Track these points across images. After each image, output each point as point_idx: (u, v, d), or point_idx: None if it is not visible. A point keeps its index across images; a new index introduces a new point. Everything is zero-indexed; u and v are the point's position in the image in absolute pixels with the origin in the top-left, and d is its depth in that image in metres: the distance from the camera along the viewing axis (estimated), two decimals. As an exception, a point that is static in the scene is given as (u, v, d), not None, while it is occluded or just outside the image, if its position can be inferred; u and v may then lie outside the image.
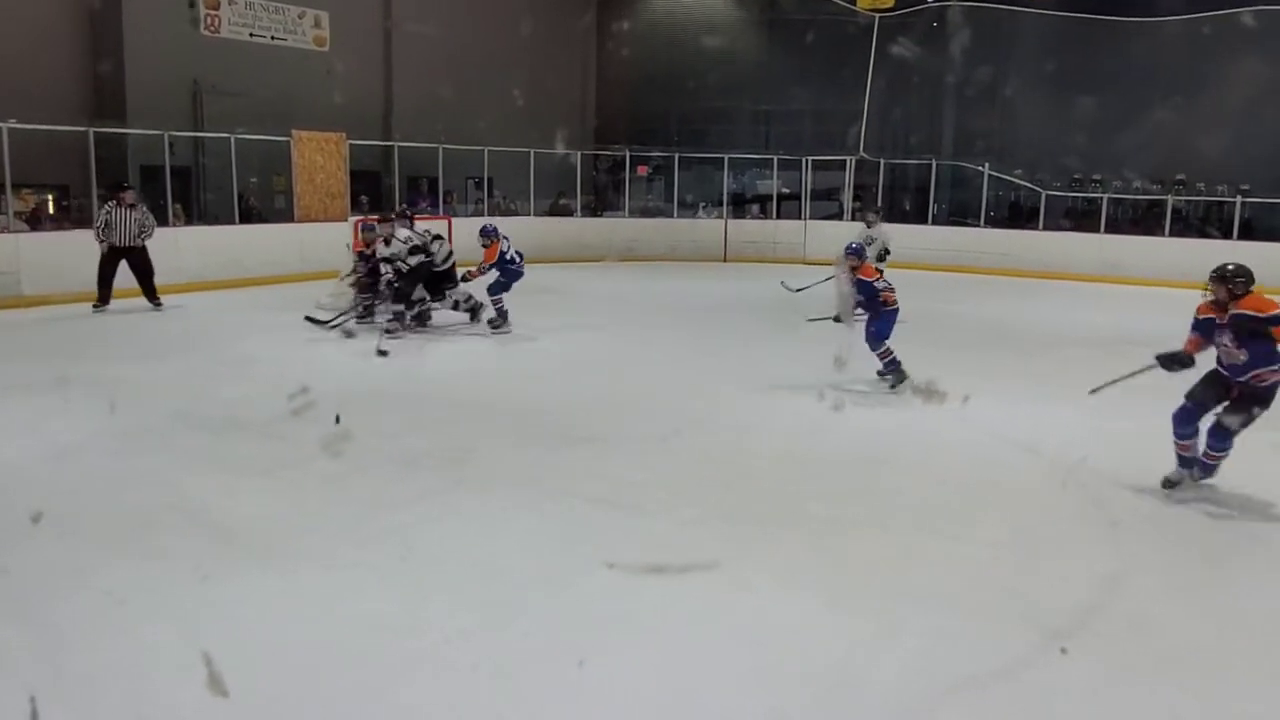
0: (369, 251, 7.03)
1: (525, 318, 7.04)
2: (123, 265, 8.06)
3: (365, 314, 6.89)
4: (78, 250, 8.33)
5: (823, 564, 2.75)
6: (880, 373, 5.08)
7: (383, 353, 5.92)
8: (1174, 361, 3.35)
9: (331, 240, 10.06)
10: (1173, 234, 11.87)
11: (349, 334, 6.72)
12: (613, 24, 15.27)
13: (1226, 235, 11.68)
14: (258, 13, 11.48)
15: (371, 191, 11.93)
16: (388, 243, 6.76)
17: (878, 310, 5.04)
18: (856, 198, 13.42)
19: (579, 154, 13.33)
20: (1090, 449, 3.66)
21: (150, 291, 8.26)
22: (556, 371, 6.02)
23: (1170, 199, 12.24)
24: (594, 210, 14.15)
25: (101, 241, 7.92)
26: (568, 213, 12.93)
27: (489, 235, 6.85)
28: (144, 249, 8.35)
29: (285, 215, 11.19)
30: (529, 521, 3.04)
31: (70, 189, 10.36)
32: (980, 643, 2.14)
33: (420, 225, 7.88)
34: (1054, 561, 2.78)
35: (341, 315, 6.91)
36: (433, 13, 13.05)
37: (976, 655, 2.08)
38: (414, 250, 6.68)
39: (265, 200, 11.61)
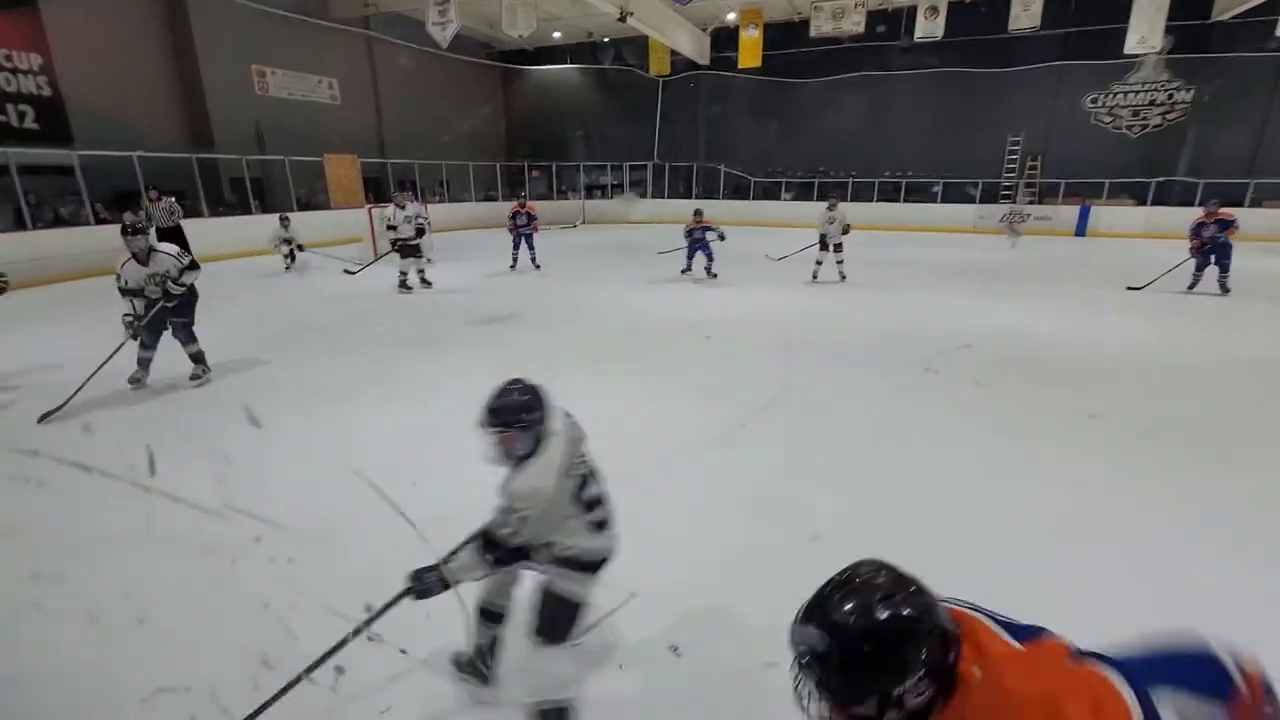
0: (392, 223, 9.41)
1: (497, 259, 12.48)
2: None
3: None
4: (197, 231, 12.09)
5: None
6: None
7: (405, 285, 9.19)
8: None
9: (354, 219, 14.12)
10: (817, 200, 20.11)
11: (349, 272, 10.15)
12: (512, 84, 22.26)
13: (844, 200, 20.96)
14: (293, 79, 16.29)
15: (375, 190, 17.40)
16: (402, 207, 9.19)
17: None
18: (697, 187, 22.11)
19: (497, 164, 20.32)
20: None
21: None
22: (506, 286, 10.04)
23: (816, 180, 20.42)
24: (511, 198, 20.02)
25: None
26: (494, 199, 19.65)
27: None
28: (178, 228, 10.97)
29: (324, 204, 16.18)
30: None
31: (185, 193, 13.66)
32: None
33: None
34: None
35: (365, 266, 10.17)
36: (404, 79, 18.82)
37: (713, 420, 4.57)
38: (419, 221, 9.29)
39: (314, 196, 16.38)
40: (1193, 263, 9.04)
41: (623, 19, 15.10)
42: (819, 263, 10.14)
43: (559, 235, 15.42)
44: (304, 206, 16.06)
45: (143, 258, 4.95)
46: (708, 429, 4.34)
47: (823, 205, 10.24)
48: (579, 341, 6.75)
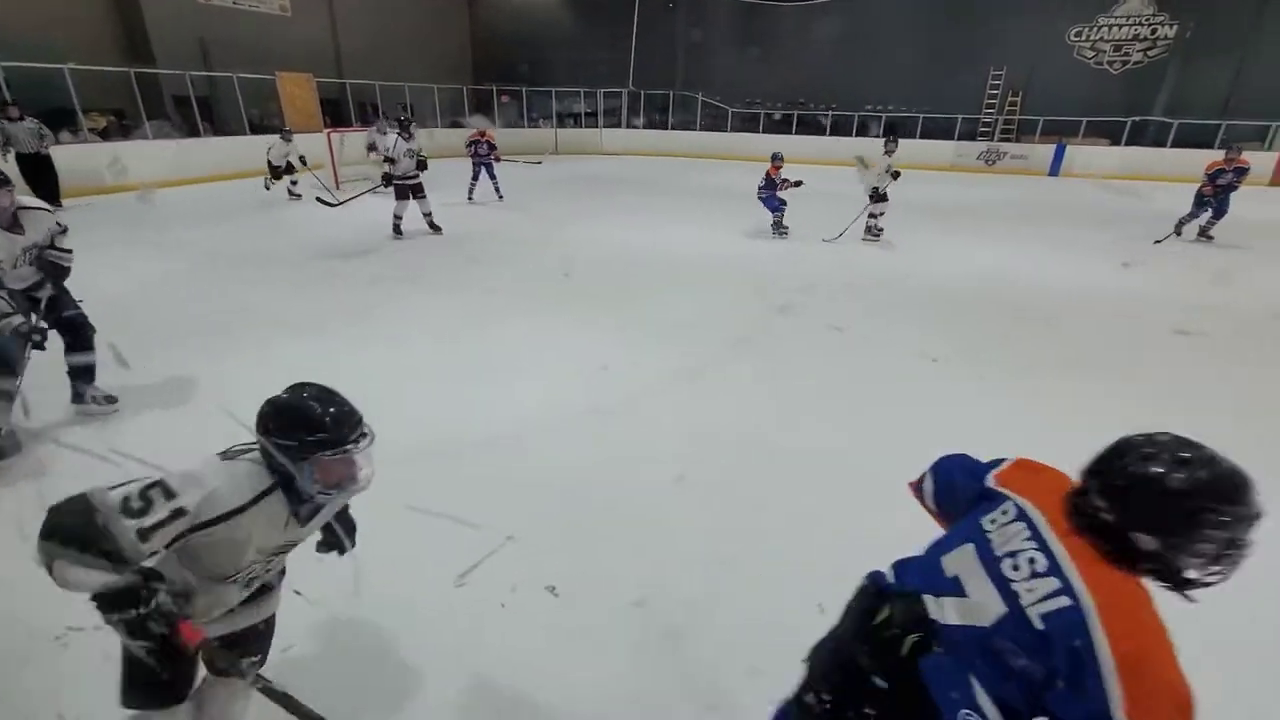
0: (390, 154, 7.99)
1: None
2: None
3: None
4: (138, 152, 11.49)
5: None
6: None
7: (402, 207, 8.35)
8: None
9: (310, 143, 12.15)
10: (797, 134, 19.30)
11: (325, 203, 8.63)
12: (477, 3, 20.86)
13: (821, 134, 19.31)
14: None
15: (334, 113, 16.29)
16: (407, 136, 7.95)
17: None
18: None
19: (464, 88, 19.16)
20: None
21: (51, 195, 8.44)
22: (468, 216, 9.98)
23: (795, 113, 19.60)
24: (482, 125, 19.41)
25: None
26: (461, 126, 18.18)
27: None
28: (47, 158, 8.89)
29: (279, 127, 14.62)
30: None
31: (125, 112, 13.23)
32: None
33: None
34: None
35: (348, 200, 8.66)
36: None
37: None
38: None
39: (268, 118, 15.15)
40: (1189, 209, 8.53)
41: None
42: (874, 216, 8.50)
43: (525, 170, 14.43)
44: (257, 129, 15.09)
45: (6, 220, 3.07)
46: (675, 366, 4.36)
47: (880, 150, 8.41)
48: (534, 285, 6.62)
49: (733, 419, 3.69)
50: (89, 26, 13.19)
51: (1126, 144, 17.06)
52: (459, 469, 3.15)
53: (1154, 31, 17.08)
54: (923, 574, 1.20)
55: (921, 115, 18.43)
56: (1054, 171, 17.01)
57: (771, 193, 8.58)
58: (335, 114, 16.54)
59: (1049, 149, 17.09)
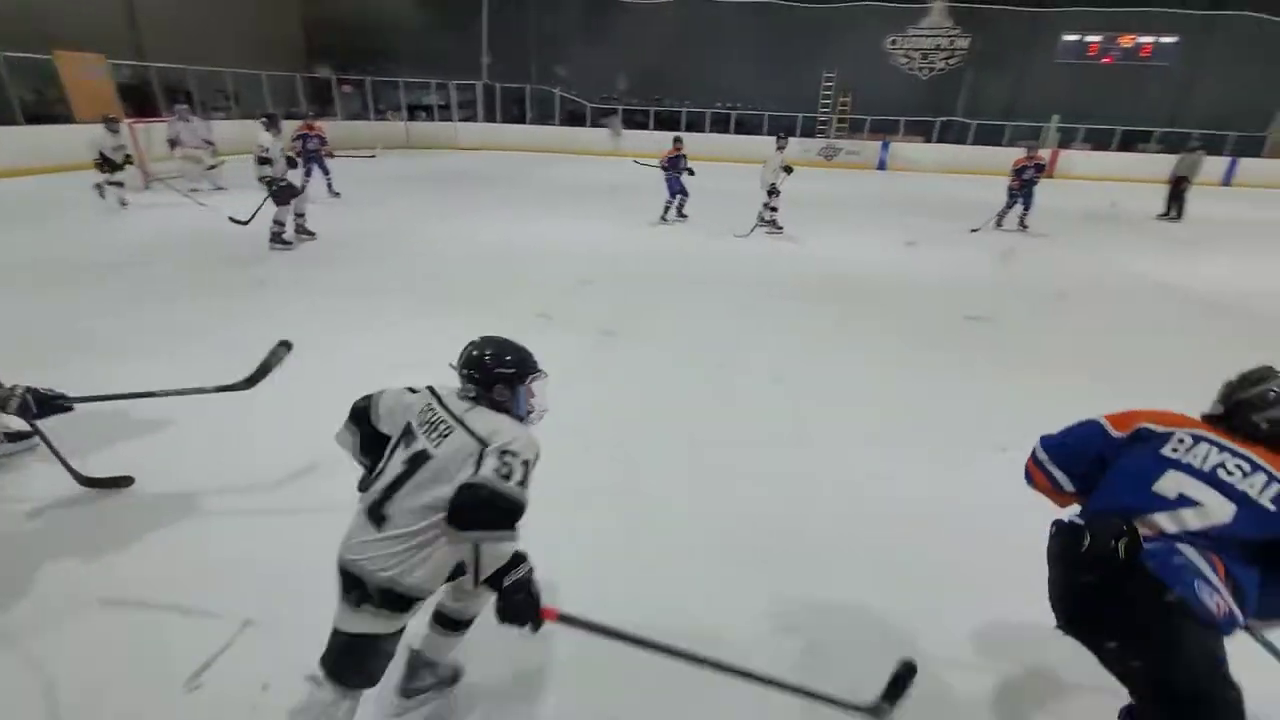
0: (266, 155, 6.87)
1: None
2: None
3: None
4: None
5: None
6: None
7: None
8: None
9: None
10: (656, 128, 19.77)
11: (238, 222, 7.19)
12: None
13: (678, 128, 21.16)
14: None
15: (137, 100, 14.15)
16: (274, 131, 6.92)
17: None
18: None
19: (297, 75, 17.44)
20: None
21: None
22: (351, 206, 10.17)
23: (652, 109, 20.22)
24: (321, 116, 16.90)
25: None
26: (298, 117, 16.52)
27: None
28: None
29: (66, 116, 12.33)
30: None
31: None
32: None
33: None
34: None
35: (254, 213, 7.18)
36: None
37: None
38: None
39: (48, 106, 12.75)
40: (1004, 201, 9.56)
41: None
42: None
43: (366, 166, 13.06)
44: (33, 119, 12.75)
45: None
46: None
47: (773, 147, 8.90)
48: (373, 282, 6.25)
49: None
50: None
51: (937, 141, 19.51)
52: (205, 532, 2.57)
53: (952, 43, 19.57)
54: (1136, 499, 1.46)
55: (767, 114, 19.73)
56: (881, 166, 18.94)
57: (674, 175, 8.90)
58: (140, 102, 14.43)
59: (877, 145, 19.01)
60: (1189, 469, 1.45)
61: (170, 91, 15.25)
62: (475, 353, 1.59)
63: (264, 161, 6.87)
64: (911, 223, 10.26)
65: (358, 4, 19.84)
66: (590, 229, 8.84)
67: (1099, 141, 19.28)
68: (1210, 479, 1.42)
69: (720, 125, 20.16)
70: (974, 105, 19.91)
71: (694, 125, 19.95)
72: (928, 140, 19.68)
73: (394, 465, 1.51)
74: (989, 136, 19.39)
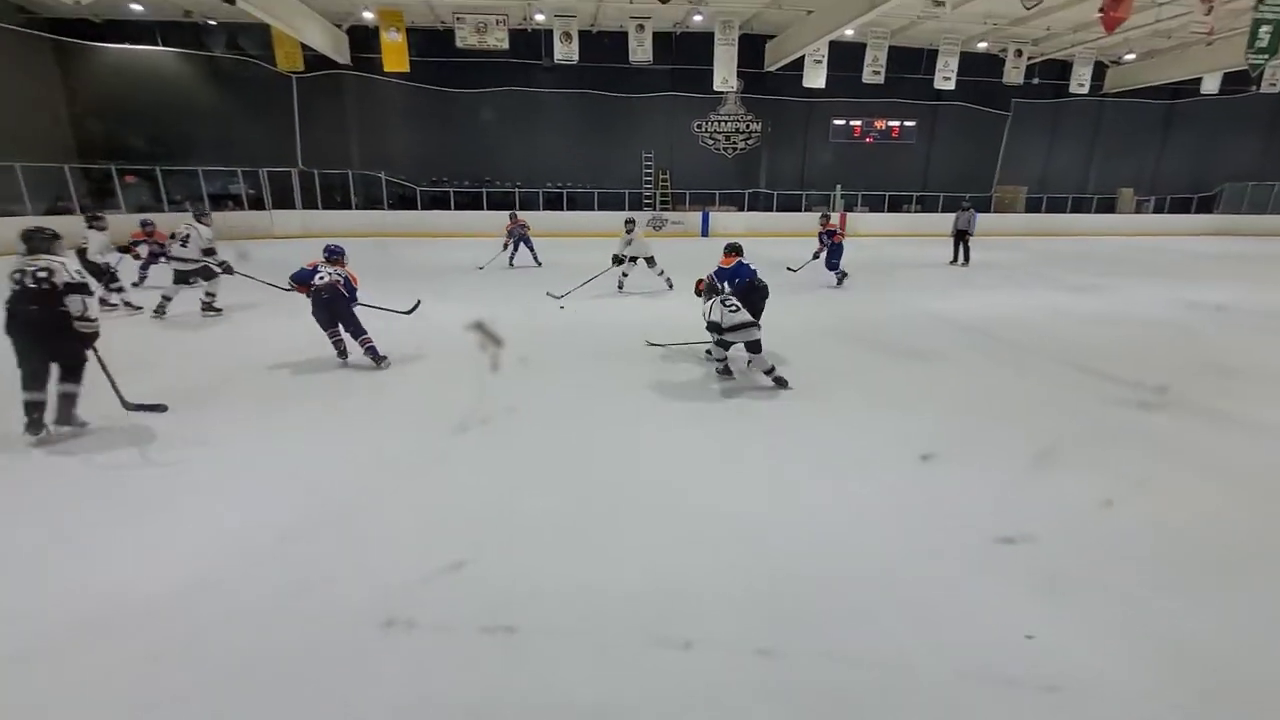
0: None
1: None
2: None
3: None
4: None
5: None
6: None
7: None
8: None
9: None
10: (490, 208, 19.98)
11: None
12: (78, 64, 17.26)
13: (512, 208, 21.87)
14: None
15: None
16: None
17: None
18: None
19: (66, 167, 15.36)
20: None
21: None
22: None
23: (484, 190, 20.47)
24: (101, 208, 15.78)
25: None
26: (69, 213, 14.39)
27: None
28: None
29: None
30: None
31: None
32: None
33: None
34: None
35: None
36: None
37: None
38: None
39: None
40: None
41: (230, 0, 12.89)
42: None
43: None
44: None
45: None
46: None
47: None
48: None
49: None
50: None
51: (748, 209, 22.02)
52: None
53: (748, 126, 22.40)
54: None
55: (597, 191, 20.91)
56: (704, 233, 20.77)
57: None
58: None
59: (698, 215, 20.92)
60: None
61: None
62: None
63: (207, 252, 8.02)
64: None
65: (137, 92, 18.02)
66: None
67: (874, 205, 22.94)
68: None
69: (553, 203, 20.95)
70: (773, 177, 22.84)
71: (527, 204, 20.50)
72: (740, 209, 22.07)
73: None
74: (789, 203, 22.38)
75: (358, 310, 6.07)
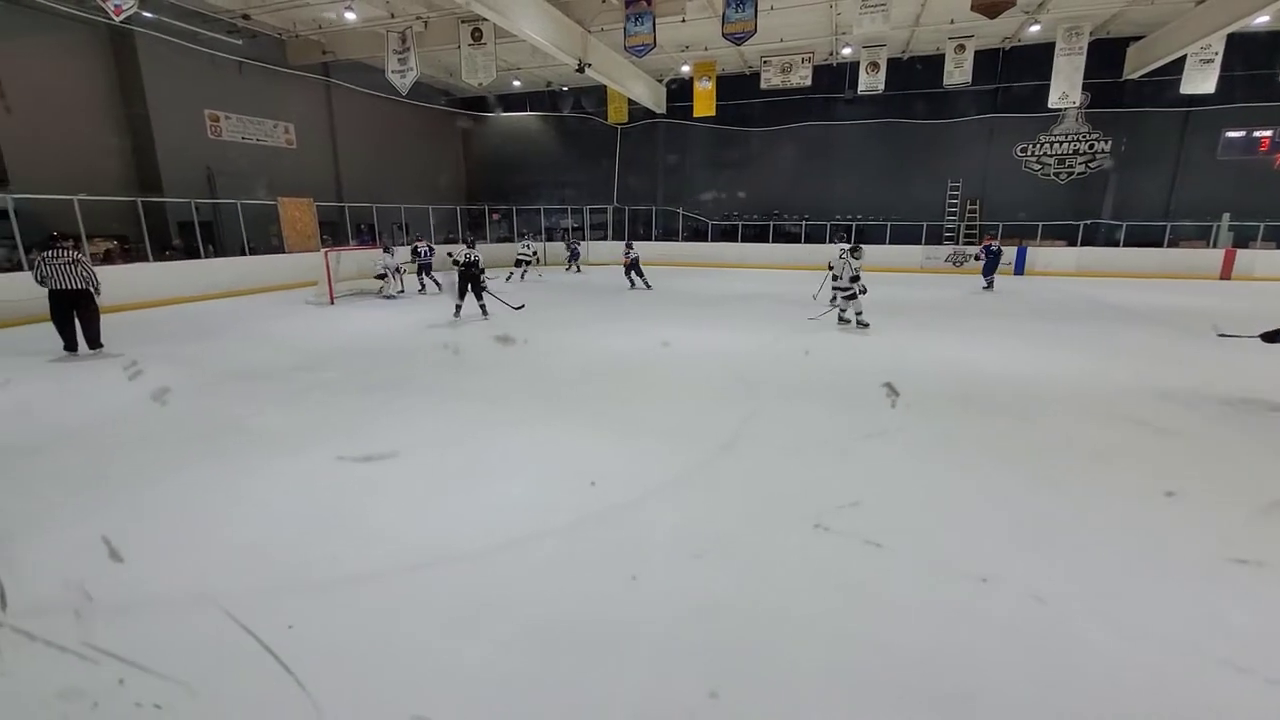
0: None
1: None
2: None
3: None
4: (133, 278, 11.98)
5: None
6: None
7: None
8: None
9: (310, 263, 14.63)
10: (775, 241, 20.89)
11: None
12: (473, 130, 22.72)
13: (797, 241, 21.04)
14: (247, 124, 16.07)
15: (332, 233, 17.40)
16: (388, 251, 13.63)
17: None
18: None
19: (457, 208, 20.55)
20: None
21: (92, 338, 7.42)
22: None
23: (771, 223, 21.16)
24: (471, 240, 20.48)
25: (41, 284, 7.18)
26: (455, 241, 19.31)
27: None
28: (89, 293, 7.35)
29: (278, 249, 15.73)
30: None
31: (129, 238, 13.78)
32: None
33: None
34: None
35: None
36: (362, 124, 18.99)
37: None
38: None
39: (263, 241, 15.73)
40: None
41: (581, 70, 15.52)
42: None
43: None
44: (252, 250, 15.64)
45: None
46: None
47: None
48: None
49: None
50: (104, 159, 14.03)
51: (1081, 244, 18.28)
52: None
53: (1091, 146, 18.74)
54: None
55: (889, 222, 19.65)
56: (1019, 270, 17.94)
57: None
58: (334, 234, 17.34)
59: (1012, 250, 18.13)
60: None
61: (356, 225, 18.25)
62: None
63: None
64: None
65: (507, 148, 23.01)
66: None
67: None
68: None
69: (841, 235, 20.36)
70: (1123, 206, 18.62)
71: (813, 237, 20.30)
72: (1071, 243, 18.50)
73: None
74: (1143, 236, 18.00)
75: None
